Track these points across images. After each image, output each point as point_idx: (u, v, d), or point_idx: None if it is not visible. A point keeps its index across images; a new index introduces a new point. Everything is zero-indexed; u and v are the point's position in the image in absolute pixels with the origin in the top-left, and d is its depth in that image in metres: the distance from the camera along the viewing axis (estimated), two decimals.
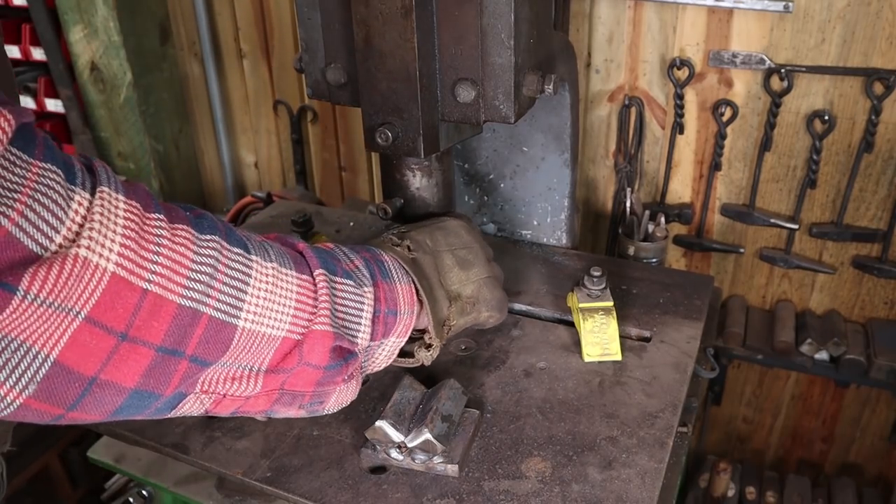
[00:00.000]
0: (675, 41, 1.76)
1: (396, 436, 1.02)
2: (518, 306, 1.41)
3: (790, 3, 1.58)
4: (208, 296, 0.71)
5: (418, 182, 1.22)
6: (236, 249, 0.76)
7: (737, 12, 1.67)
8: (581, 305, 1.27)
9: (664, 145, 1.89)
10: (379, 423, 1.02)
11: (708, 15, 1.71)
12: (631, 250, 1.72)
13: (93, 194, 0.65)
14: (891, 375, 1.77)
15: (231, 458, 1.08)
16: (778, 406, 2.12)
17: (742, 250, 1.92)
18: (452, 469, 1.02)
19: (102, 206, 0.64)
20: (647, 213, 1.76)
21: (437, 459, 1.02)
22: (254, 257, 0.77)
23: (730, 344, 1.90)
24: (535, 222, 1.59)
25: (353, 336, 0.88)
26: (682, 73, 1.78)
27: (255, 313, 0.75)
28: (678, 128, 1.84)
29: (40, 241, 0.60)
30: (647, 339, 1.30)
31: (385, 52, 1.04)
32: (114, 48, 2.30)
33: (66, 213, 0.62)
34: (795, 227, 1.83)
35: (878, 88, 1.62)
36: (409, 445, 1.02)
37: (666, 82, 1.82)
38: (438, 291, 1.05)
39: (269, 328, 0.78)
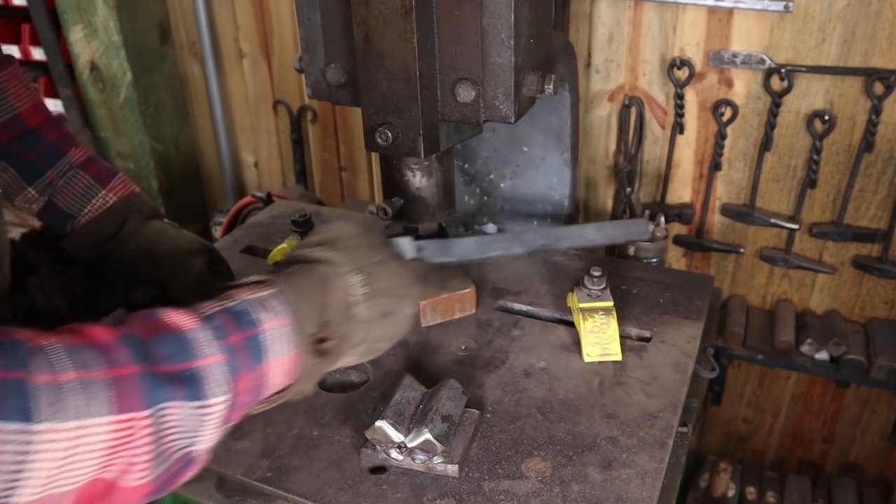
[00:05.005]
0: (675, 41, 1.76)
1: (396, 436, 1.02)
2: (518, 306, 1.41)
3: (790, 3, 1.58)
4: None
5: (418, 182, 1.22)
6: (13, 426, 0.60)
7: (737, 12, 1.67)
8: (581, 305, 1.27)
9: (664, 145, 1.89)
10: (379, 423, 1.02)
11: (708, 15, 1.70)
12: (631, 250, 1.72)
13: None
14: (891, 375, 1.77)
15: (231, 458, 1.08)
16: (778, 406, 2.12)
17: (742, 250, 1.92)
18: (452, 469, 1.02)
19: None
20: (647, 213, 1.76)
21: (437, 459, 1.02)
22: (40, 427, 0.61)
23: (730, 344, 1.90)
24: (535, 222, 1.59)
25: (188, 448, 0.73)
26: (683, 73, 1.77)
27: (40, 485, 0.62)
28: (678, 128, 1.84)
29: None
30: (647, 339, 1.30)
31: (385, 53, 1.04)
32: (114, 48, 2.30)
33: None
34: (795, 227, 1.83)
35: (879, 88, 1.62)
36: (409, 445, 1.02)
37: (666, 82, 1.82)
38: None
39: (65, 486, 0.64)
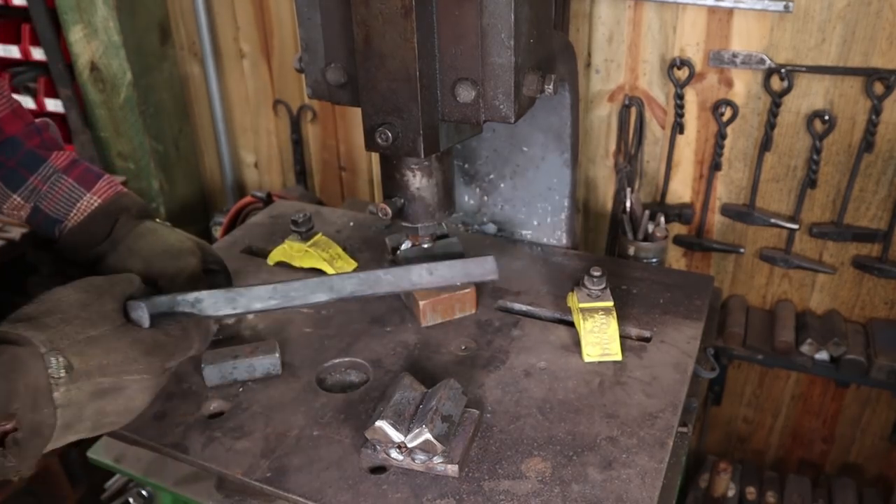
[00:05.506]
0: (676, 41, 1.76)
1: (396, 436, 1.02)
2: (518, 306, 1.41)
3: (790, 3, 1.58)
4: None
5: (418, 182, 1.22)
6: None
7: (737, 12, 1.67)
8: (581, 305, 1.27)
9: (664, 145, 1.89)
10: (379, 423, 1.02)
11: (708, 15, 1.70)
12: (631, 250, 1.72)
13: None
14: (891, 375, 1.77)
15: (231, 458, 1.08)
16: (778, 406, 2.12)
17: (742, 250, 1.92)
18: (452, 469, 1.02)
19: None
20: (647, 213, 1.76)
21: (437, 459, 1.02)
22: None
23: (730, 344, 1.90)
24: (535, 222, 1.59)
25: None
26: (683, 73, 1.77)
27: None
28: (678, 128, 1.84)
29: None
30: (647, 339, 1.30)
31: (385, 53, 1.04)
32: (114, 48, 2.30)
33: None
34: (795, 227, 1.83)
35: (879, 88, 1.62)
36: (409, 445, 1.02)
37: (666, 82, 1.82)
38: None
39: None
